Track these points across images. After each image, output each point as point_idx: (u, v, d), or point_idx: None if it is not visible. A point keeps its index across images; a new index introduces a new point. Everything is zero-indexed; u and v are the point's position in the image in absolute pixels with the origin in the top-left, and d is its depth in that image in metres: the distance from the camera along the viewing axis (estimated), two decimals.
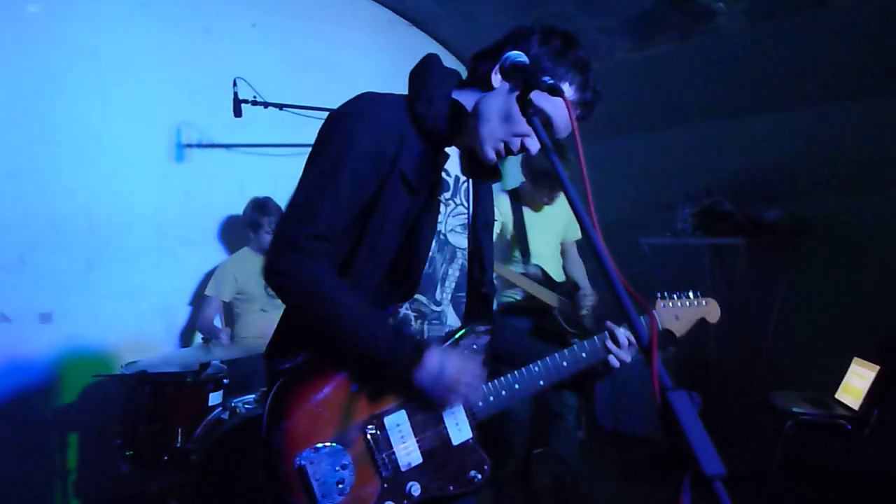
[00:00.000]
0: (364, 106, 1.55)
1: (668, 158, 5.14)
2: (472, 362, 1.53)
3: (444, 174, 1.64)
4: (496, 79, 1.54)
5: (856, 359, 3.78)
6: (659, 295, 1.99)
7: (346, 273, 1.53)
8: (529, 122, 1.37)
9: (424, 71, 1.62)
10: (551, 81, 1.30)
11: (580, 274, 3.90)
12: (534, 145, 1.53)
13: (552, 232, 3.72)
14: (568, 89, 1.55)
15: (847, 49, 3.92)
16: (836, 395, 3.79)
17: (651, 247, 5.02)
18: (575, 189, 1.22)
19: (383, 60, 4.78)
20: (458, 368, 1.50)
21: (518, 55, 1.45)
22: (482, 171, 1.69)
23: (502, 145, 1.55)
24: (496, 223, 3.80)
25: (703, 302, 2.05)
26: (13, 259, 3.60)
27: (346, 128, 1.52)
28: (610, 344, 1.75)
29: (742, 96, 4.57)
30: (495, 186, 1.89)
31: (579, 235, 3.94)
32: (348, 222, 1.51)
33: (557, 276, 3.69)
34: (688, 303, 2.01)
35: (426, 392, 1.50)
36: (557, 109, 1.52)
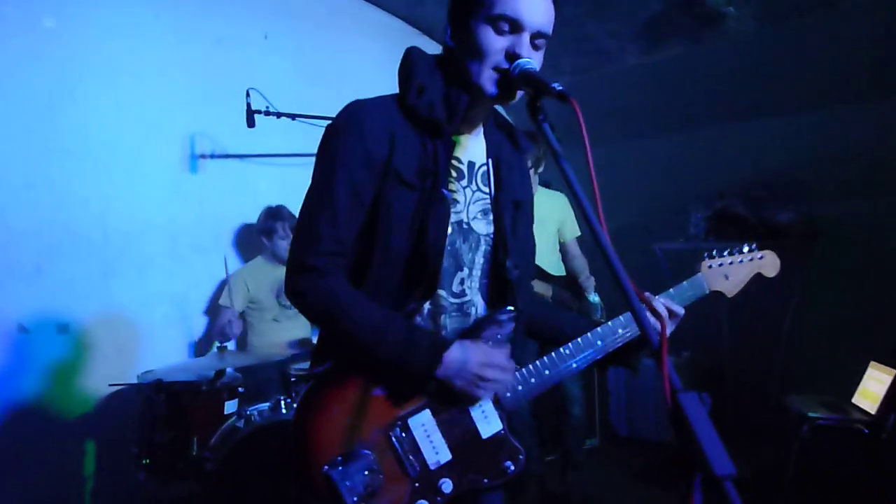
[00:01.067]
0: (348, 115, 1.56)
1: (680, 162, 5.13)
2: (495, 354, 1.53)
3: (455, 162, 1.62)
4: (450, 30, 1.58)
5: (872, 363, 3.75)
6: (706, 255, 1.87)
7: (364, 280, 1.55)
8: (539, 128, 1.38)
9: (408, 64, 1.62)
10: (560, 88, 1.31)
11: (582, 267, 4.05)
12: (522, 50, 1.47)
13: (542, 224, 3.73)
14: None
15: (857, 50, 3.91)
16: (853, 400, 3.77)
17: (664, 251, 5.01)
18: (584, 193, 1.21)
19: (394, 70, 4.78)
20: (481, 362, 1.50)
21: (527, 62, 1.45)
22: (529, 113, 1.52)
23: (493, 72, 1.50)
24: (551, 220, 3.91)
25: (759, 255, 1.91)
26: (30, 269, 3.63)
27: (334, 141, 1.55)
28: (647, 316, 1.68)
29: (753, 99, 4.56)
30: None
31: (578, 232, 4.11)
32: (355, 232, 1.54)
33: (554, 269, 3.75)
34: (739, 259, 1.88)
35: (452, 390, 1.51)
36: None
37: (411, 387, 1.53)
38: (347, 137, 1.53)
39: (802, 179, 4.53)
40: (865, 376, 3.77)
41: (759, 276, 1.91)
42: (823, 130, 4.36)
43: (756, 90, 4.50)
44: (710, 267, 1.85)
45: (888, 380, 3.55)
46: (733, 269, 1.86)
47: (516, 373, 1.61)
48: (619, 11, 4.39)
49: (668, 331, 1.66)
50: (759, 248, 1.90)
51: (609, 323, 1.70)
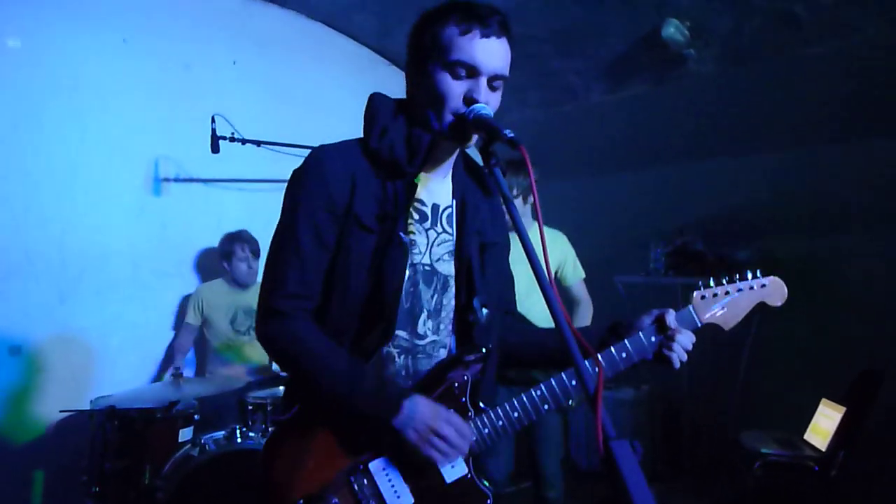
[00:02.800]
0: (311, 162, 1.59)
1: (642, 198, 5.23)
2: (456, 419, 1.51)
3: (418, 204, 1.63)
4: (410, 76, 1.62)
5: (824, 400, 3.82)
6: (701, 283, 1.70)
7: (324, 321, 1.56)
8: (490, 172, 1.41)
9: (372, 108, 1.65)
10: (511, 135, 1.35)
11: (584, 317, 3.70)
12: (479, 95, 1.49)
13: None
14: (460, 31, 1.50)
15: (813, 94, 4.04)
16: (805, 436, 3.83)
17: (625, 285, 5.08)
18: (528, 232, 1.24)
19: (363, 99, 4.80)
20: (442, 419, 1.49)
21: (482, 107, 1.48)
22: (483, 158, 1.51)
23: (451, 116, 1.52)
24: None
25: (762, 283, 1.72)
26: None
27: (297, 186, 1.58)
28: (652, 339, 1.62)
29: (713, 139, 4.68)
30: None
31: (583, 274, 3.73)
32: (321, 275, 1.56)
33: (548, 321, 3.58)
34: (737, 288, 1.70)
35: (405, 444, 1.50)
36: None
37: (369, 437, 1.53)
38: (310, 182, 1.56)
39: (760, 217, 4.63)
40: (817, 413, 3.84)
41: (763, 306, 1.73)
42: (781, 170, 4.48)
43: (716, 130, 4.62)
44: (704, 298, 1.69)
45: (838, 417, 3.62)
46: (731, 300, 1.70)
47: (483, 415, 1.59)
48: (584, 50, 4.49)
49: (679, 360, 1.62)
50: (763, 275, 1.73)
51: (612, 350, 1.62)
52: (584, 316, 3.71)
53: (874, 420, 3.59)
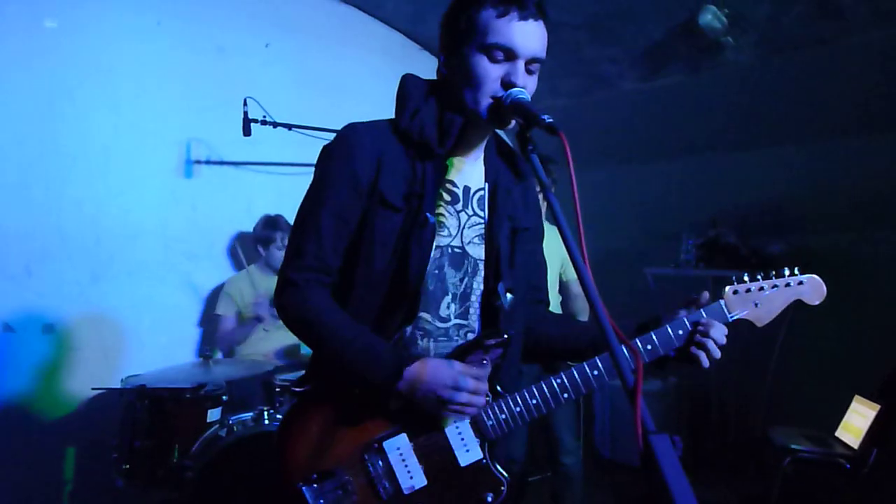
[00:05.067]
0: (339, 138, 1.60)
1: (674, 189, 5.16)
2: (464, 376, 1.50)
3: (450, 185, 1.62)
4: (444, 59, 1.60)
5: (857, 397, 3.75)
6: (734, 278, 1.66)
7: (347, 300, 1.57)
8: (528, 160, 1.39)
9: (404, 89, 1.65)
10: (550, 120, 1.32)
11: (583, 312, 3.81)
12: (517, 79, 1.48)
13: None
14: (497, 13, 1.48)
15: (853, 85, 3.95)
16: (836, 433, 3.77)
17: (654, 277, 5.03)
18: (567, 222, 1.22)
19: (394, 84, 4.80)
20: (444, 382, 1.48)
21: (520, 92, 1.46)
22: (519, 144, 1.49)
23: (489, 99, 1.51)
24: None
25: (800, 280, 1.67)
26: (20, 269, 3.63)
27: (324, 163, 1.60)
28: (679, 333, 1.60)
29: (749, 129, 4.59)
30: None
31: None
32: (341, 251, 1.57)
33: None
34: (773, 284, 1.66)
35: (416, 408, 1.50)
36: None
37: (380, 405, 1.53)
38: (336, 159, 1.57)
39: (795, 211, 4.55)
40: (849, 410, 3.77)
41: (799, 303, 1.69)
42: (817, 163, 4.39)
43: (752, 121, 4.53)
44: (736, 293, 1.65)
45: (871, 415, 3.56)
46: (765, 296, 1.65)
47: (501, 401, 1.58)
48: (620, 38, 4.43)
49: (707, 359, 1.59)
50: (802, 272, 1.68)
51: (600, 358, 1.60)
52: (585, 311, 3.78)
53: None
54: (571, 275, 3.75)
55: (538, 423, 3.53)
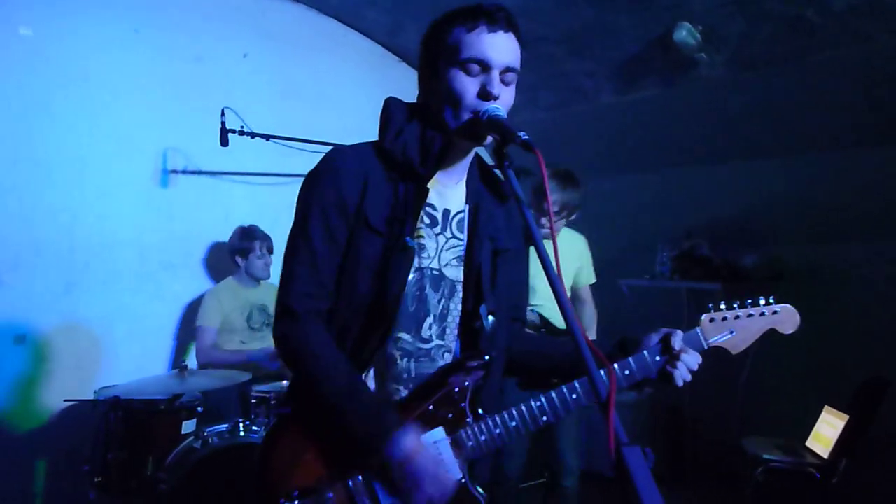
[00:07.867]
0: (325, 162, 1.61)
1: (650, 201, 5.22)
2: (438, 470, 1.49)
3: (429, 209, 1.64)
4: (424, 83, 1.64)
5: (826, 407, 3.82)
6: (711, 306, 1.69)
7: (331, 319, 1.58)
8: (504, 175, 1.41)
9: (387, 112, 1.66)
10: (525, 137, 1.35)
11: (590, 320, 3.82)
12: (493, 88, 1.51)
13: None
14: (467, 29, 1.53)
15: (824, 100, 4.02)
16: (807, 443, 3.83)
17: (630, 288, 5.08)
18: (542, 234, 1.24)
19: (373, 95, 4.79)
20: (431, 478, 1.46)
21: (496, 109, 1.49)
22: (497, 159, 1.51)
23: (469, 114, 1.53)
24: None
25: (774, 310, 1.71)
26: None
27: (310, 187, 1.60)
28: (656, 359, 1.62)
29: (722, 143, 4.66)
30: None
31: (593, 279, 3.86)
32: (334, 274, 1.58)
33: (562, 322, 3.62)
34: (748, 313, 1.69)
35: (388, 471, 1.48)
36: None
37: (359, 453, 1.51)
38: (323, 182, 1.58)
39: (767, 223, 4.62)
40: (819, 420, 3.84)
41: (773, 332, 1.73)
42: (790, 176, 4.46)
43: (726, 134, 4.60)
44: (713, 320, 1.69)
45: (841, 425, 3.62)
46: (741, 324, 1.69)
47: (482, 422, 1.58)
48: (596, 51, 4.48)
49: (683, 379, 1.62)
50: (777, 302, 1.72)
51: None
52: (587, 319, 3.82)
53: (876, 429, 3.59)
54: (582, 281, 3.81)
55: (542, 442, 3.60)
